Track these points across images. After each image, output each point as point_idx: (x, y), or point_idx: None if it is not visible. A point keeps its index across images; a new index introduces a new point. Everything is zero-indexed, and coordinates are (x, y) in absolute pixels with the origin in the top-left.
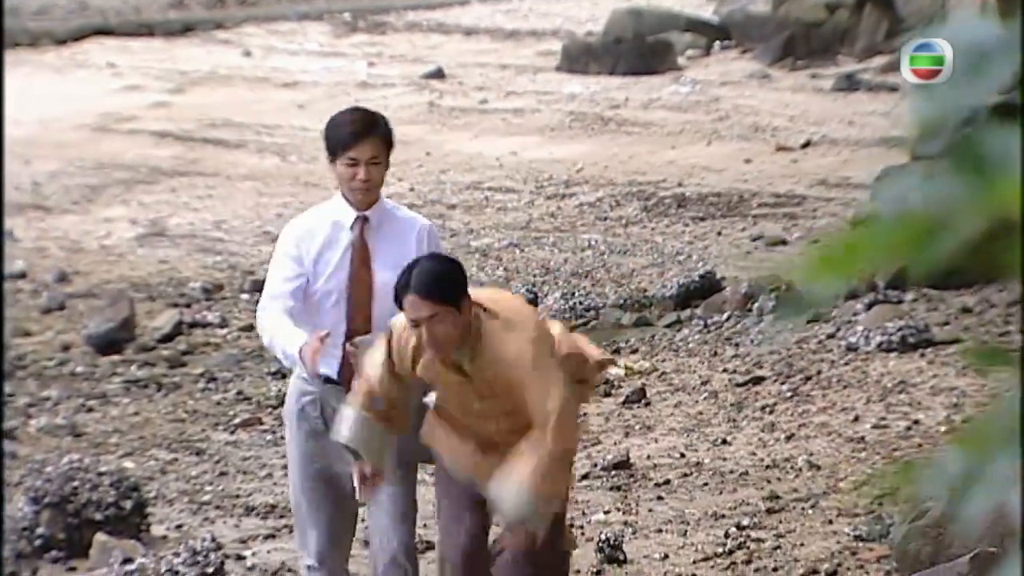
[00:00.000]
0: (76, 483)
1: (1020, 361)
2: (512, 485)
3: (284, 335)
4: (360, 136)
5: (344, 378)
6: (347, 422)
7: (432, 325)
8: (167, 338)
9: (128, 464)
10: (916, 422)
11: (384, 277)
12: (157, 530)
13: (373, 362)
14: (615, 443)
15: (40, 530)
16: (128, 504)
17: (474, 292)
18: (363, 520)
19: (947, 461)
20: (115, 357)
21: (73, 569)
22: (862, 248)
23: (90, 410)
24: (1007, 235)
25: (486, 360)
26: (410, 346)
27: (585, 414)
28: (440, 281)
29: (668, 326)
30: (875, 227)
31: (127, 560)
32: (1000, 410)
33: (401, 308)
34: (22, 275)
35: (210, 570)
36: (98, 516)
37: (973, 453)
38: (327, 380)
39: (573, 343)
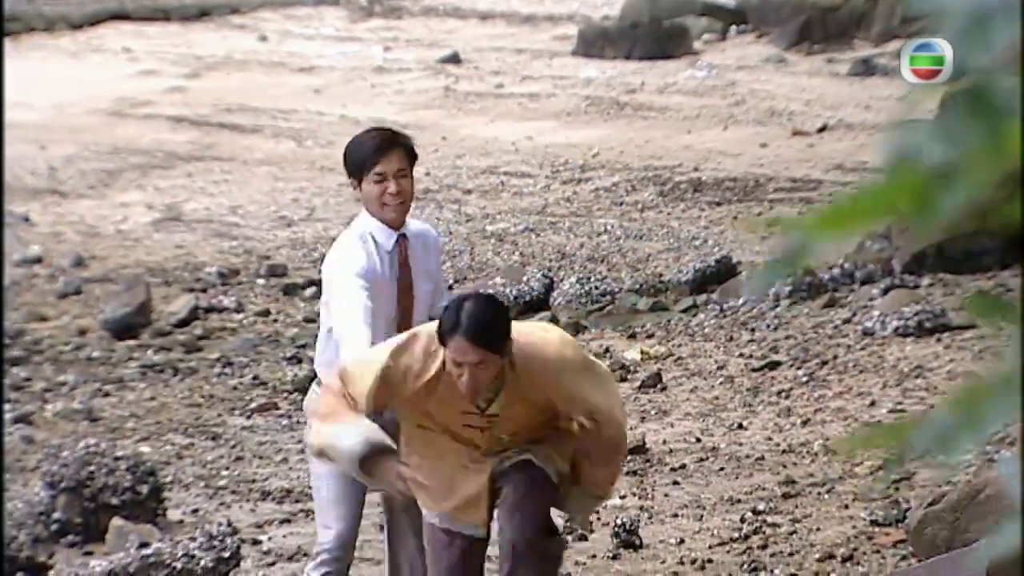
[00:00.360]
0: (92, 468)
1: (1020, 322)
2: (591, 500)
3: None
4: (384, 149)
5: None
6: (354, 434)
7: (476, 371)
8: (183, 323)
9: (144, 449)
10: (932, 407)
11: (422, 288)
12: (173, 515)
13: (359, 389)
14: (631, 428)
15: (56, 515)
16: (144, 489)
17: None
18: (377, 505)
19: (939, 416)
20: (131, 342)
21: (89, 553)
22: (865, 205)
23: (106, 395)
24: (1016, 188)
25: (515, 391)
26: (423, 380)
27: None
28: (492, 328)
29: (684, 311)
30: (880, 180)
31: (143, 544)
32: (997, 366)
33: (443, 345)
34: (38, 260)
35: (226, 554)
36: (114, 501)
37: (966, 405)
38: None
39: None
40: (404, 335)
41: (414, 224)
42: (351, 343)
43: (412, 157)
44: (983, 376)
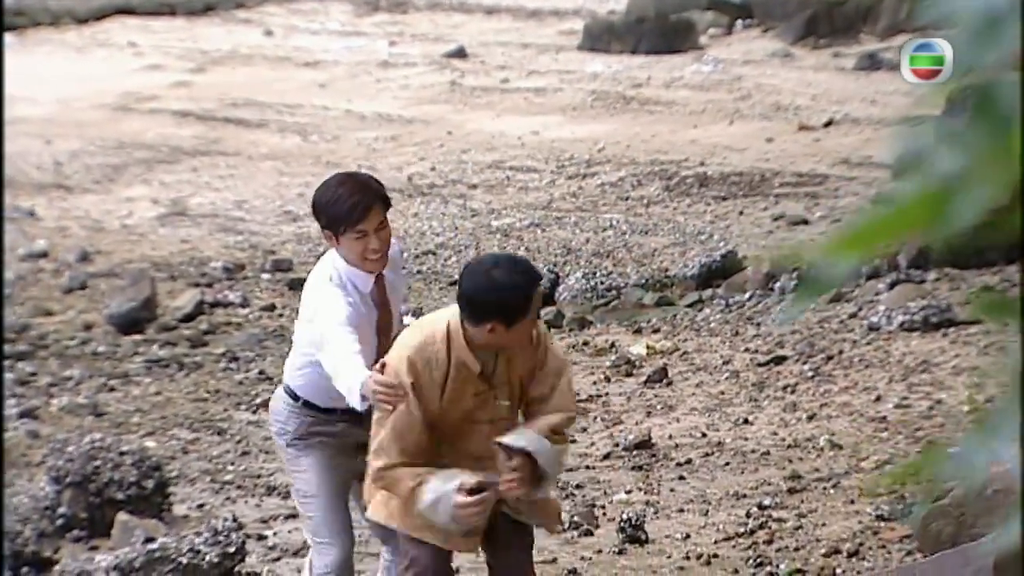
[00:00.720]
0: (98, 462)
1: (1020, 326)
2: (545, 440)
3: (350, 374)
4: (367, 208)
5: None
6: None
7: (527, 328)
8: (188, 318)
9: (150, 443)
10: (938, 402)
11: (399, 310)
12: (179, 509)
13: (402, 418)
14: (636, 423)
15: (62, 509)
16: (150, 483)
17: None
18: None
19: (967, 444)
20: (137, 337)
21: (95, 548)
22: (882, 225)
23: (112, 390)
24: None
25: (515, 359)
26: (440, 368)
27: (607, 393)
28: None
29: (690, 306)
30: (895, 202)
31: (149, 539)
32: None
33: (511, 326)
34: (44, 254)
35: (231, 549)
36: (120, 495)
37: (981, 432)
38: (341, 413)
39: None
40: (417, 331)
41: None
42: (345, 372)
43: (388, 204)
44: (992, 384)
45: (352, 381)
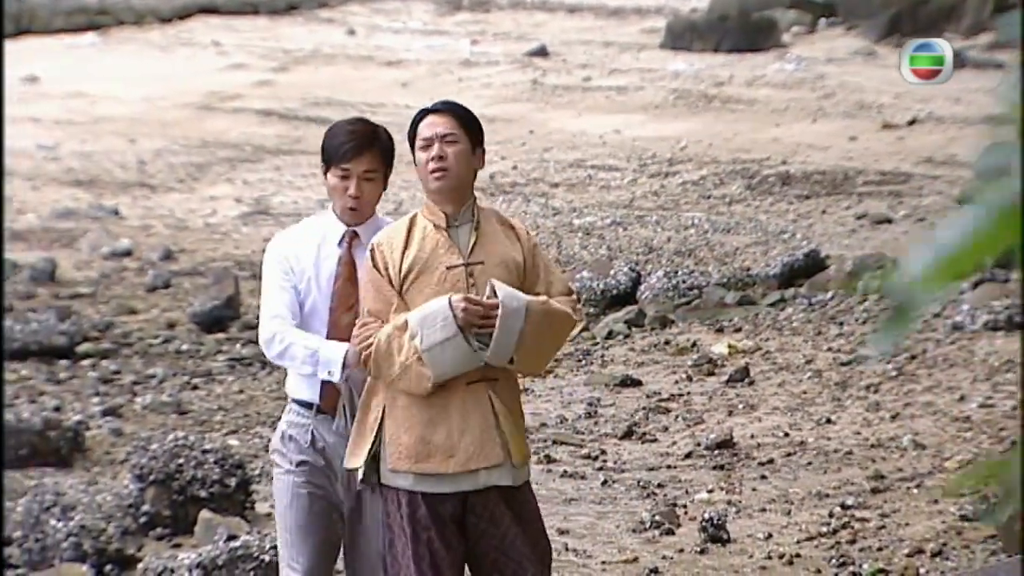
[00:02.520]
0: (181, 460)
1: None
2: (516, 293)
3: (309, 340)
4: (357, 148)
5: (327, 404)
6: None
7: (444, 146)
8: None
9: (233, 442)
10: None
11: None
12: (261, 507)
13: (371, 295)
14: (718, 422)
15: (145, 507)
16: (233, 481)
17: None
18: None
19: None
20: (220, 335)
21: (178, 546)
22: (971, 249)
23: (195, 388)
24: None
25: (486, 234)
26: (398, 240)
27: (688, 392)
28: (462, 106)
29: (772, 305)
30: (981, 220)
31: (232, 537)
32: None
33: (413, 141)
34: (128, 253)
35: None
36: (203, 493)
37: None
38: (314, 409)
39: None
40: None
41: (386, 224)
42: (264, 331)
43: (387, 159)
44: None
45: (324, 350)
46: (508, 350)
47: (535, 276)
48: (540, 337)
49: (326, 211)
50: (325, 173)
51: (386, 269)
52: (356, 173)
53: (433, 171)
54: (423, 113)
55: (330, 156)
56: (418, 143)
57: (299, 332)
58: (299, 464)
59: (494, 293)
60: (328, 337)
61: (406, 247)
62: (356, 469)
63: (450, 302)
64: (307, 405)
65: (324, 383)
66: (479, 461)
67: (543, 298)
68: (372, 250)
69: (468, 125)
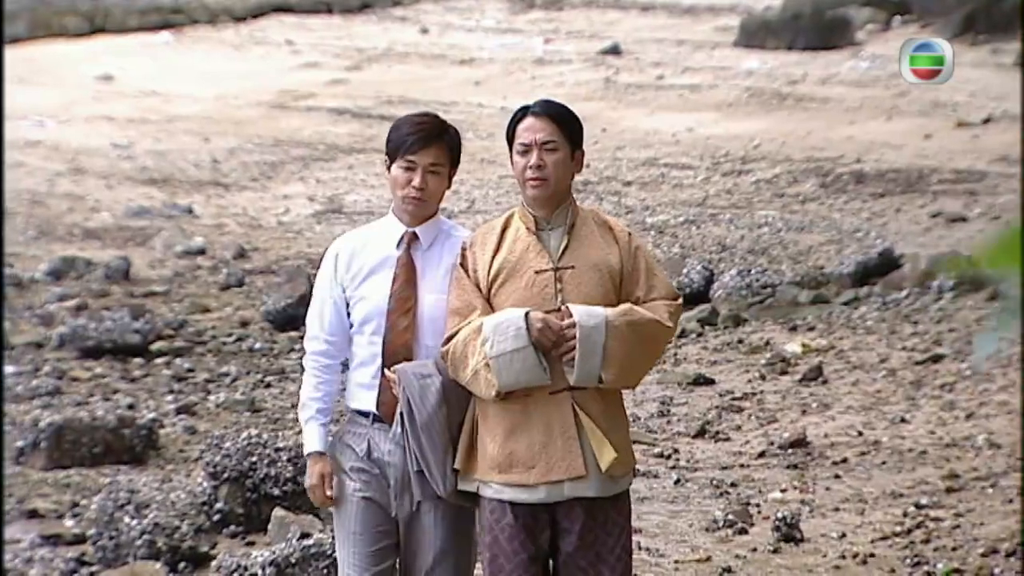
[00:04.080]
0: (254, 458)
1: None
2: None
3: (312, 395)
4: (424, 139)
5: (384, 412)
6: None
7: (544, 153)
8: None
9: None
10: None
11: (430, 299)
12: None
13: (455, 294)
14: (792, 421)
15: (219, 505)
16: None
17: None
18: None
19: None
20: (292, 333)
21: (251, 543)
22: None
23: (268, 386)
24: None
25: (579, 237)
26: (491, 242)
27: (762, 391)
28: (563, 107)
29: (845, 303)
30: None
31: (305, 535)
32: None
33: (512, 140)
34: (201, 251)
35: None
36: (276, 491)
37: None
38: (370, 417)
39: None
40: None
41: (458, 232)
42: (306, 356)
43: (453, 155)
44: None
45: (307, 443)
46: (594, 369)
47: (635, 279)
48: (628, 349)
49: (388, 215)
50: (388, 168)
51: (474, 271)
52: (422, 165)
53: (530, 179)
54: (522, 112)
55: (396, 147)
56: (516, 146)
57: (311, 380)
58: (354, 471)
59: (570, 316)
60: (385, 339)
61: (497, 249)
62: (455, 472)
63: (527, 315)
64: (364, 414)
65: (381, 390)
66: (560, 472)
67: (626, 306)
68: (463, 250)
69: (568, 129)
